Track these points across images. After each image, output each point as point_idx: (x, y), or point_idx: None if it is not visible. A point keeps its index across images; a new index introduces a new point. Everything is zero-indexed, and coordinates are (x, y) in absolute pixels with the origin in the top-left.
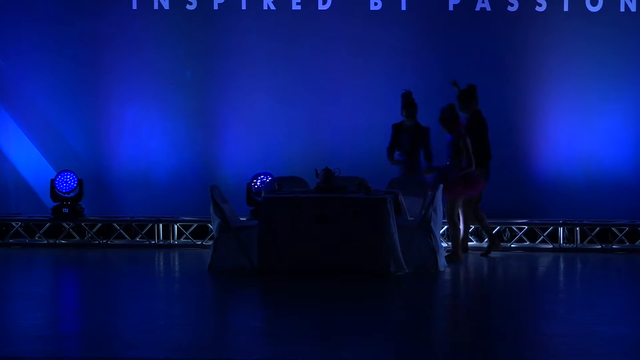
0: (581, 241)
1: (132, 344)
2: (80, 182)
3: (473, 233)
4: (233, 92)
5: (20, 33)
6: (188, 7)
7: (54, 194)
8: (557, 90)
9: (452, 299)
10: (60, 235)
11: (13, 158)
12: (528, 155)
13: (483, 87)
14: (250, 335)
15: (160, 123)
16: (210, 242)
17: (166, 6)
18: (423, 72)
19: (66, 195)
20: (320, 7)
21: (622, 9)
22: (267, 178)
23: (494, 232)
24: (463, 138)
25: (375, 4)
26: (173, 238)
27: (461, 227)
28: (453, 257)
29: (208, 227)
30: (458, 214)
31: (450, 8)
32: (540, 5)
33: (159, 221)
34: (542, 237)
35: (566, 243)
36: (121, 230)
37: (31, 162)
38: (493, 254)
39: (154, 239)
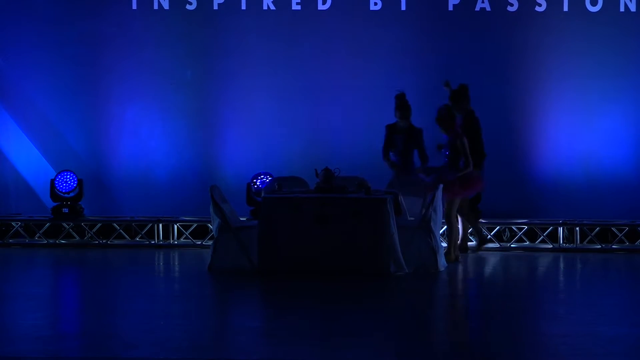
0: (581, 241)
1: (132, 344)
2: (80, 182)
3: (473, 233)
4: (233, 92)
5: (20, 33)
6: (188, 7)
7: (53, 194)
8: (557, 90)
9: (452, 299)
10: (60, 235)
11: (13, 158)
12: (528, 155)
13: (483, 87)
14: (250, 335)
15: (160, 123)
16: (210, 242)
17: (166, 6)
18: (423, 72)
19: (66, 195)
20: (320, 7)
21: (622, 9)
22: (267, 178)
23: (493, 232)
24: (460, 138)
25: (375, 4)
26: (173, 238)
27: (460, 227)
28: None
29: (208, 227)
30: (456, 215)
31: (450, 8)
32: (540, 5)
33: (159, 221)
34: (542, 237)
35: (566, 243)
36: (121, 230)
37: (31, 162)
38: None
39: (154, 239)
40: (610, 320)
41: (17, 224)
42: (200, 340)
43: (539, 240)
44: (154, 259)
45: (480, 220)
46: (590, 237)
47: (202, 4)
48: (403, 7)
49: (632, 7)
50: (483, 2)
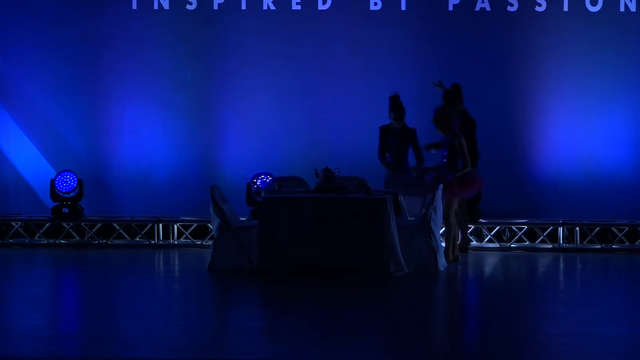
0: (581, 241)
1: (132, 344)
2: (80, 182)
3: (473, 233)
4: (233, 92)
5: (20, 33)
6: (188, 7)
7: (53, 194)
8: (557, 90)
9: (452, 299)
10: (60, 235)
11: (13, 158)
12: (528, 155)
13: (483, 87)
14: (250, 335)
15: (160, 123)
16: (210, 242)
17: (166, 6)
18: (423, 72)
19: (66, 195)
20: (320, 7)
21: (622, 9)
22: (267, 178)
23: (493, 232)
24: (458, 138)
25: (375, 4)
26: (173, 238)
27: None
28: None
29: (208, 227)
30: (454, 215)
31: (450, 8)
32: (540, 5)
33: (159, 221)
34: (542, 237)
35: (566, 243)
36: (121, 230)
37: (31, 162)
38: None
39: (154, 239)
40: (610, 320)
41: (17, 224)
42: (200, 340)
43: (539, 240)
44: (154, 259)
45: (481, 220)
46: (590, 237)
47: (202, 4)
48: (403, 7)
49: (632, 7)
50: (483, 2)
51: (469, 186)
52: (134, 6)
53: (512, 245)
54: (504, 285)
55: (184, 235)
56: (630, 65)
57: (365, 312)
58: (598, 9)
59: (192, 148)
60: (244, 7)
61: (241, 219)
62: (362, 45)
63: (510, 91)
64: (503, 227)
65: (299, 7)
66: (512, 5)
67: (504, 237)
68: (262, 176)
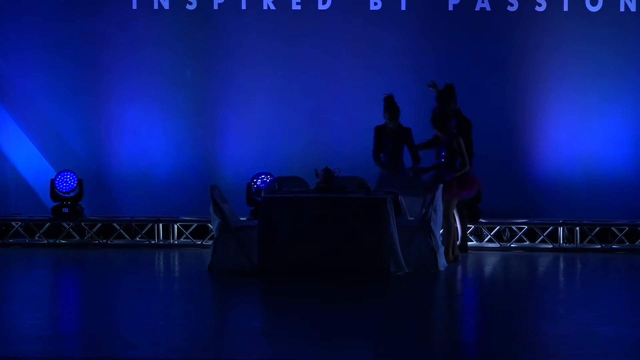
0: (581, 241)
1: (132, 344)
2: (80, 182)
3: (473, 233)
4: (233, 92)
5: (21, 32)
6: (188, 7)
7: (53, 193)
8: (557, 90)
9: (452, 299)
10: (60, 235)
11: (13, 158)
12: (528, 155)
13: (483, 87)
14: (250, 335)
15: (160, 123)
16: (210, 242)
17: (166, 6)
18: (423, 72)
19: (66, 195)
20: (320, 7)
21: (622, 9)
22: (267, 178)
23: (493, 232)
24: (456, 138)
25: (375, 4)
26: (173, 238)
27: (458, 227)
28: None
29: (208, 227)
30: (454, 215)
31: (450, 8)
32: (540, 5)
33: (159, 221)
34: (542, 237)
35: (566, 243)
36: (121, 230)
37: (31, 162)
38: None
39: (154, 238)
40: (610, 320)
41: (17, 224)
42: (200, 340)
43: (539, 240)
44: (154, 259)
45: (481, 220)
46: (590, 237)
47: (202, 4)
48: (403, 7)
49: (632, 7)
50: (483, 2)
51: (468, 186)
52: (134, 6)
53: (512, 245)
54: (504, 285)
55: (184, 235)
56: (630, 65)
57: (365, 312)
58: (598, 9)
59: (192, 148)
60: (244, 7)
61: (241, 219)
62: (362, 46)
63: (510, 91)
64: (503, 227)
65: (299, 7)
66: (512, 5)
67: (504, 237)
68: (262, 176)
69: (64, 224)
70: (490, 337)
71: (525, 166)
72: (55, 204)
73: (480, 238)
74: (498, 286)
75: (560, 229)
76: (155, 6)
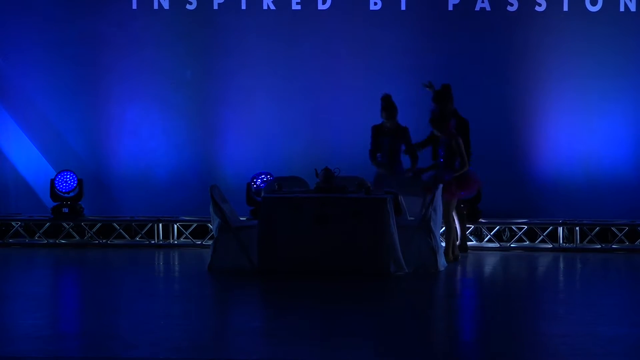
0: (581, 241)
1: (132, 344)
2: (80, 182)
3: (473, 233)
4: (233, 92)
5: (21, 32)
6: (188, 6)
7: (53, 193)
8: (557, 90)
9: (451, 299)
10: (60, 235)
11: (13, 158)
12: (528, 155)
13: (483, 87)
14: (250, 335)
15: (160, 123)
16: (210, 242)
17: (166, 6)
18: (423, 72)
19: (66, 195)
20: (320, 7)
21: (622, 9)
22: (267, 178)
23: (493, 232)
24: (455, 138)
25: (375, 3)
26: (173, 238)
27: (458, 227)
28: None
29: (208, 227)
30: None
31: (450, 8)
32: (540, 5)
33: (159, 221)
34: (542, 237)
35: (566, 243)
36: (121, 230)
37: (31, 162)
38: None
39: (154, 238)
40: (610, 320)
41: (17, 223)
42: (200, 340)
43: (539, 240)
44: (154, 259)
45: (481, 220)
46: (590, 237)
47: (202, 4)
48: (403, 7)
49: (632, 7)
50: (483, 2)
51: (466, 186)
52: (134, 6)
53: (512, 245)
54: (504, 285)
55: (184, 235)
56: (630, 65)
57: (365, 312)
58: (598, 9)
59: (192, 148)
60: (244, 7)
61: (241, 219)
62: (362, 45)
63: (510, 91)
64: (503, 227)
65: (299, 7)
66: (512, 5)
67: (504, 237)
68: (262, 176)
69: (64, 224)
70: (490, 337)
71: (525, 166)
72: (55, 204)
73: (480, 238)
74: (498, 286)
75: (560, 229)
76: (155, 6)
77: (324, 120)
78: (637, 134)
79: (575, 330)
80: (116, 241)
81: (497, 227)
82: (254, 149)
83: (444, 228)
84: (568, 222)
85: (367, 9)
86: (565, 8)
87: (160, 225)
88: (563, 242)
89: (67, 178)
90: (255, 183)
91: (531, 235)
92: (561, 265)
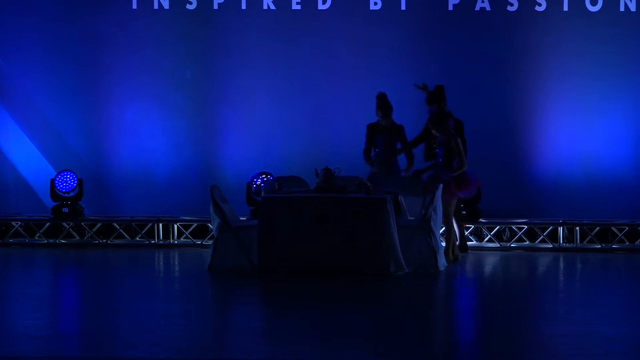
0: (581, 241)
1: (132, 344)
2: (80, 182)
3: (473, 233)
4: (233, 92)
5: (21, 32)
6: (188, 6)
7: (53, 193)
8: (557, 90)
9: (451, 299)
10: (60, 235)
11: (13, 158)
12: (528, 155)
13: (483, 87)
14: (250, 335)
15: (160, 123)
16: (210, 242)
17: (166, 6)
18: (422, 72)
19: (66, 195)
20: (320, 7)
21: (622, 9)
22: (267, 178)
23: (493, 232)
24: (454, 138)
25: (375, 3)
26: (173, 238)
27: (456, 228)
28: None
29: (208, 226)
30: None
31: (450, 8)
32: (540, 5)
33: (159, 221)
34: (542, 236)
35: (566, 243)
36: (121, 230)
37: (31, 162)
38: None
39: (154, 238)
40: (610, 320)
41: (17, 223)
42: (200, 340)
43: (539, 240)
44: (154, 259)
45: (481, 220)
46: (590, 237)
47: (202, 4)
48: (403, 7)
49: (632, 7)
50: (483, 2)
51: (466, 186)
52: (134, 6)
53: (512, 245)
54: (504, 285)
55: (184, 235)
56: (630, 65)
57: (365, 312)
58: (598, 9)
59: (192, 148)
60: (244, 6)
61: (241, 218)
62: (362, 45)
63: (510, 91)
64: (503, 227)
65: (299, 7)
66: (512, 5)
67: (504, 237)
68: (262, 176)
69: (64, 224)
70: (490, 337)
71: (525, 166)
72: (55, 203)
73: (480, 238)
74: (498, 286)
75: (560, 229)
76: (155, 6)
77: (324, 120)
78: (637, 134)
79: (575, 330)
80: (116, 241)
81: (497, 227)
82: (254, 149)
83: (444, 228)
84: (568, 222)
85: (367, 9)
86: (565, 8)
87: (160, 225)
88: (563, 242)
89: (67, 178)
90: (255, 183)
91: (531, 235)
92: (561, 265)
